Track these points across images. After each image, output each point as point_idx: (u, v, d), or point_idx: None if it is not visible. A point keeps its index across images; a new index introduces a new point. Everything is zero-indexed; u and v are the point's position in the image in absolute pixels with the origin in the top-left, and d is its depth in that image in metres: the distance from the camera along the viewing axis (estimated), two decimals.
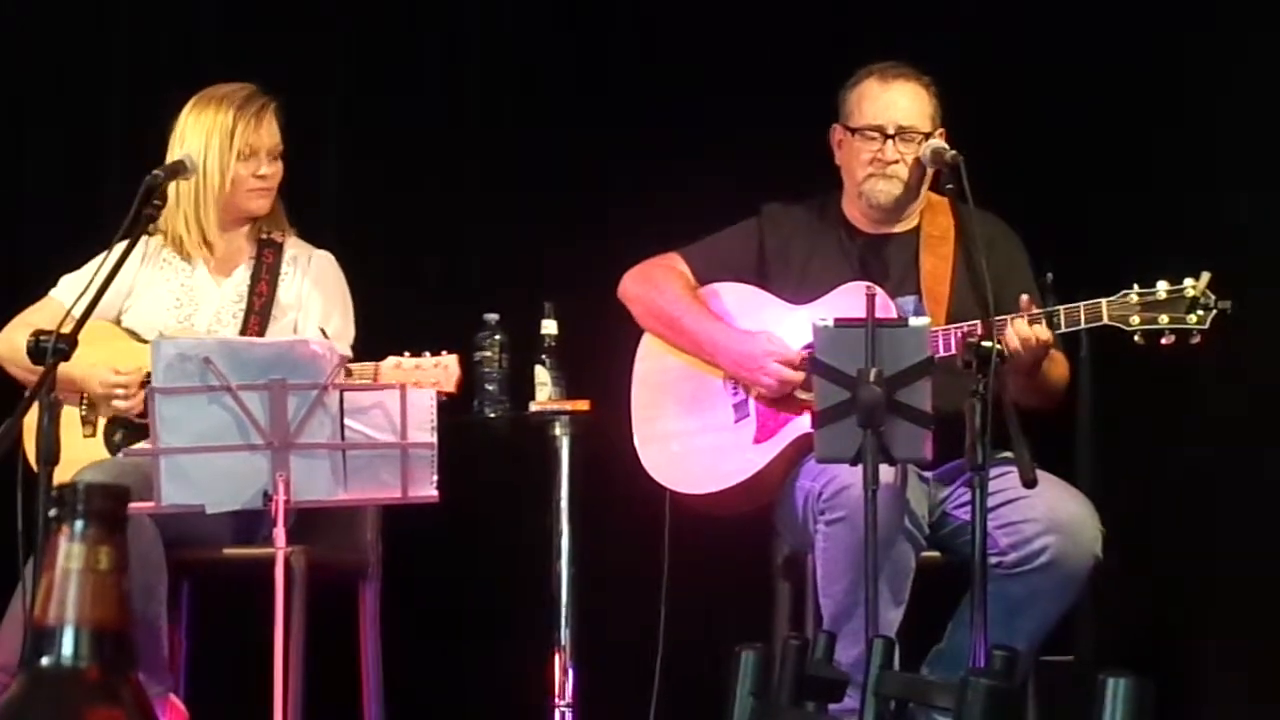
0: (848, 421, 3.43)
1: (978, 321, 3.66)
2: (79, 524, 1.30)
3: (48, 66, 5.19)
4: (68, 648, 1.29)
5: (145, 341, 4.14)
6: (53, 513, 1.30)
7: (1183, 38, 4.77)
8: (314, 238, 4.40)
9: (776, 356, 4.02)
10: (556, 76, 5.22)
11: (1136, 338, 3.78)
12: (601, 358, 4.36)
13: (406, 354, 3.95)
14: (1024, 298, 3.80)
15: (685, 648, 4.27)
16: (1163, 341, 3.77)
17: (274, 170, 4.26)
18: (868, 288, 3.61)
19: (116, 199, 3.88)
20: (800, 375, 3.98)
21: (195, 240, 4.26)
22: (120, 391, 4.07)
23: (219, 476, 3.53)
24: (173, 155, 4.14)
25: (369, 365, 3.96)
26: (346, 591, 4.27)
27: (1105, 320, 3.79)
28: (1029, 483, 3.43)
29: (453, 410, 3.98)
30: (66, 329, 3.56)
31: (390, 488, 3.58)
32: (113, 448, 4.12)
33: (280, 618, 3.49)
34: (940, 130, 4.09)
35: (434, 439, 3.57)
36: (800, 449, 3.96)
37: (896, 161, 4.09)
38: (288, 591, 3.54)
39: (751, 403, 4.10)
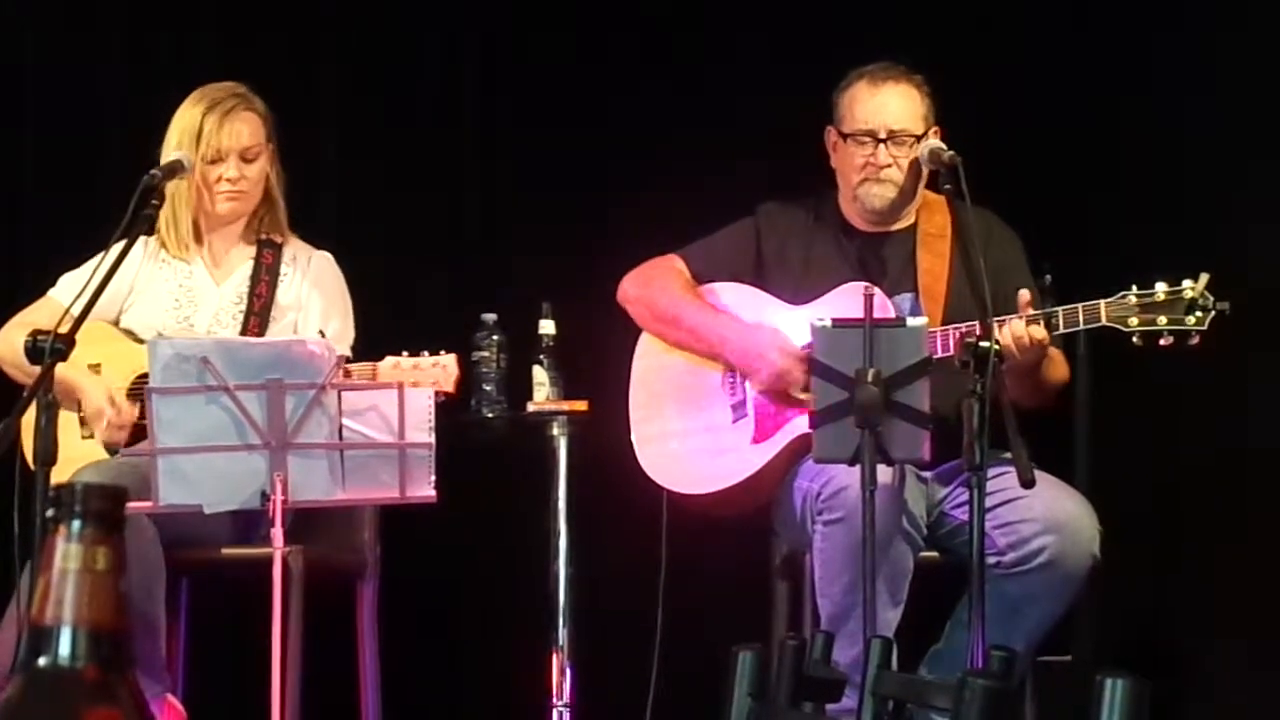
0: (846, 422, 3.43)
1: (975, 322, 3.66)
2: (76, 524, 1.29)
3: (47, 66, 5.18)
4: (65, 648, 1.29)
5: (143, 342, 4.13)
6: (50, 513, 1.30)
7: (1182, 37, 4.77)
8: (313, 238, 4.40)
9: (782, 345, 4.00)
10: (556, 77, 5.21)
11: (1135, 339, 3.78)
12: (599, 358, 4.36)
13: (405, 354, 3.95)
14: (1023, 293, 3.79)
15: (683, 648, 4.27)
16: (1161, 343, 3.77)
17: (246, 173, 4.21)
18: (865, 288, 3.60)
19: (116, 199, 3.87)
20: (800, 369, 3.96)
21: (178, 241, 4.25)
22: (108, 422, 4.05)
23: (217, 476, 3.53)
24: (164, 155, 4.13)
25: (367, 365, 3.95)
26: (344, 591, 4.27)
27: (1104, 321, 3.79)
28: (1027, 483, 3.43)
29: (451, 410, 3.98)
30: (64, 329, 3.56)
31: (388, 488, 3.58)
32: (111, 448, 4.12)
33: (278, 618, 3.49)
34: (935, 129, 4.08)
35: (432, 439, 3.57)
36: (798, 449, 3.96)
37: (889, 165, 4.08)
38: (285, 591, 3.54)
39: (750, 403, 4.10)
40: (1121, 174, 4.84)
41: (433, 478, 3.58)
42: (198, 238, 4.30)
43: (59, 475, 3.49)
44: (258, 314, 4.22)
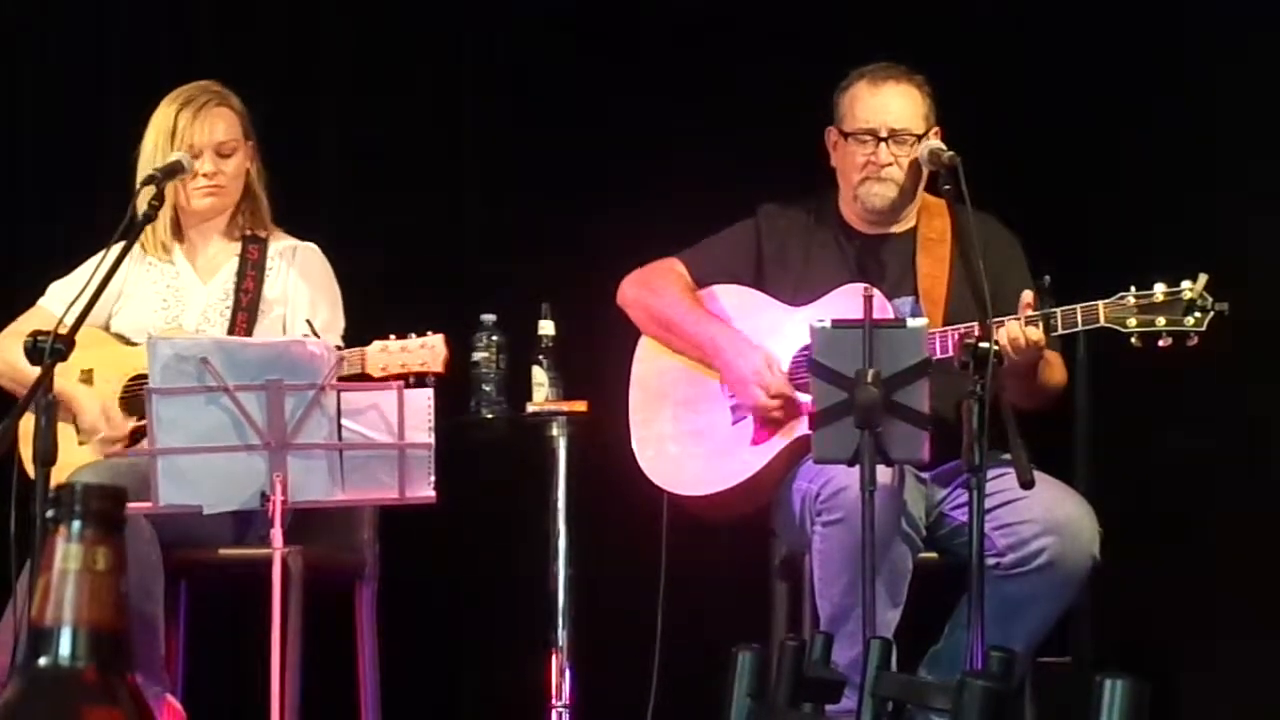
0: (845, 422, 3.43)
1: (975, 323, 3.66)
2: (76, 525, 1.30)
3: (47, 67, 5.18)
4: (65, 648, 1.29)
5: (134, 344, 4.13)
6: (50, 514, 1.30)
7: (1182, 37, 4.77)
8: (312, 237, 4.39)
9: (764, 383, 4.00)
10: (556, 76, 5.21)
11: (1134, 340, 3.78)
12: (599, 359, 4.36)
13: (392, 336, 3.95)
14: (1026, 294, 3.79)
15: (682, 649, 4.27)
16: (1160, 343, 3.77)
17: (222, 168, 4.20)
18: (865, 289, 3.60)
19: (114, 201, 3.88)
20: (774, 403, 3.97)
21: (155, 241, 4.25)
22: (102, 437, 4.05)
23: (216, 477, 3.53)
24: (141, 156, 4.14)
25: (356, 351, 3.95)
26: (344, 592, 4.27)
27: (1102, 322, 3.79)
28: (1026, 484, 3.43)
29: (450, 411, 3.98)
30: (63, 332, 3.56)
31: (387, 488, 3.58)
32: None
33: (277, 618, 3.49)
34: (936, 129, 4.09)
35: (431, 439, 3.57)
36: (797, 450, 3.96)
37: (890, 164, 4.08)
38: (285, 592, 3.54)
39: None
40: (1121, 174, 4.84)
41: (432, 478, 3.58)
42: (179, 236, 4.30)
43: (57, 478, 3.49)
44: (245, 309, 4.21)
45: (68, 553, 1.29)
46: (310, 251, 4.33)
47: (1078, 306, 3.80)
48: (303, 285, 4.26)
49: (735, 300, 4.18)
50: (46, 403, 3.48)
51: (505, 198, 5.19)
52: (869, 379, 3.40)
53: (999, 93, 4.84)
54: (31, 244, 5.05)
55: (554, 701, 4.53)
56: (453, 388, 4.02)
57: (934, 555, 3.93)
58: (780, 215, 4.25)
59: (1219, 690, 4.60)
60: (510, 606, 4.93)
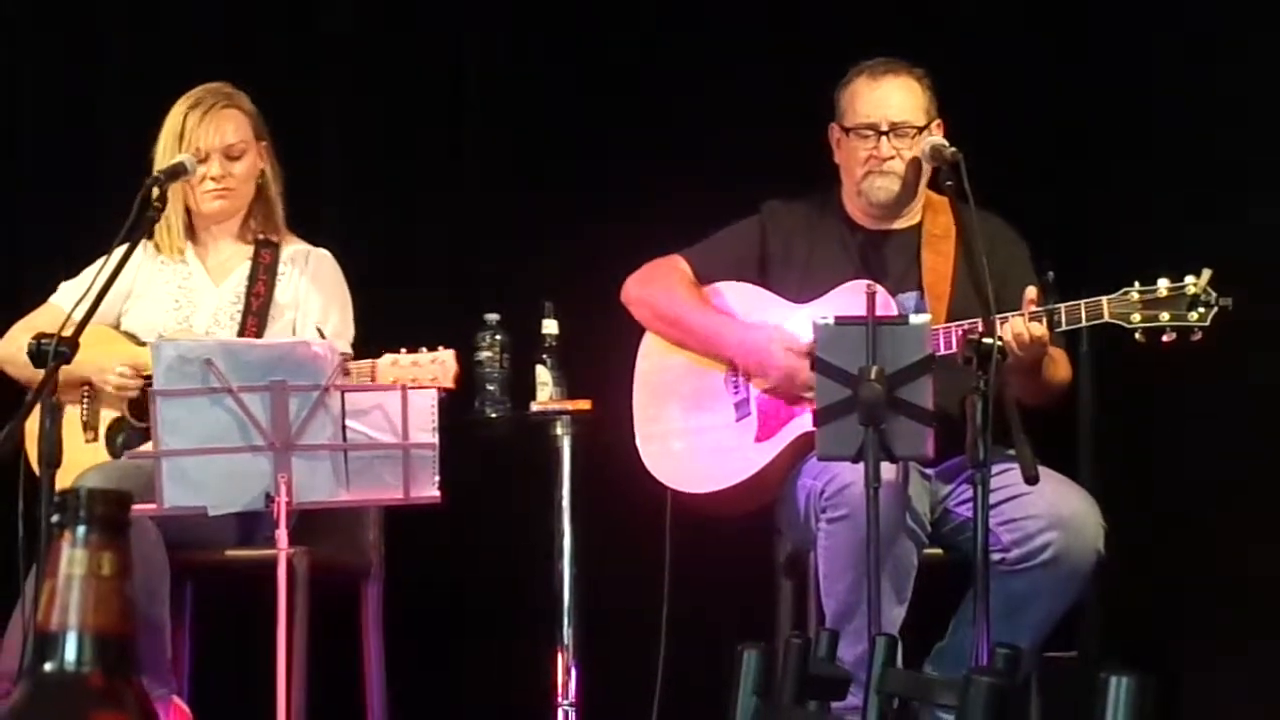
0: (849, 419, 3.42)
1: (978, 319, 3.66)
2: (81, 530, 1.30)
3: (47, 67, 5.18)
4: (71, 653, 1.29)
5: (144, 344, 4.14)
6: (55, 519, 1.30)
7: (1183, 35, 4.76)
8: (314, 238, 4.40)
9: (786, 343, 4.01)
10: (558, 76, 5.21)
11: (1138, 335, 3.78)
12: (602, 357, 4.36)
13: (403, 350, 3.95)
14: (1030, 289, 3.79)
15: (687, 646, 4.27)
16: (1164, 339, 3.77)
17: (231, 170, 4.21)
18: (868, 286, 3.60)
19: (117, 202, 3.88)
20: (806, 364, 3.97)
21: (170, 243, 4.25)
22: (121, 372, 4.05)
23: (221, 478, 3.53)
24: (156, 159, 4.14)
25: (366, 363, 3.96)
26: (349, 592, 4.27)
27: (1106, 318, 3.79)
28: (1031, 479, 3.43)
29: (454, 411, 3.98)
30: (67, 332, 3.56)
31: (392, 488, 3.59)
32: (115, 451, 4.12)
33: (283, 619, 3.49)
34: (938, 122, 4.09)
35: (435, 439, 3.57)
36: (802, 447, 3.96)
37: (892, 158, 4.09)
38: (290, 592, 3.54)
39: (753, 401, 4.10)
40: (1122, 172, 4.84)
41: (436, 478, 3.58)
42: (193, 238, 4.31)
43: (63, 479, 3.50)
44: (255, 313, 4.21)
45: (72, 558, 1.29)
46: (323, 258, 4.33)
47: (1081, 302, 3.80)
48: (314, 292, 4.27)
49: (739, 297, 4.18)
50: (51, 404, 3.48)
51: (508, 197, 5.19)
52: (873, 376, 3.40)
53: (999, 90, 4.84)
54: (34, 245, 5.05)
55: (560, 700, 4.53)
56: (457, 388, 4.02)
57: (939, 551, 3.93)
58: (784, 212, 4.25)
59: (1224, 685, 4.59)
60: (515, 605, 4.93)
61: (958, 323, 3.86)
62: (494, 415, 4.49)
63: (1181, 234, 4.54)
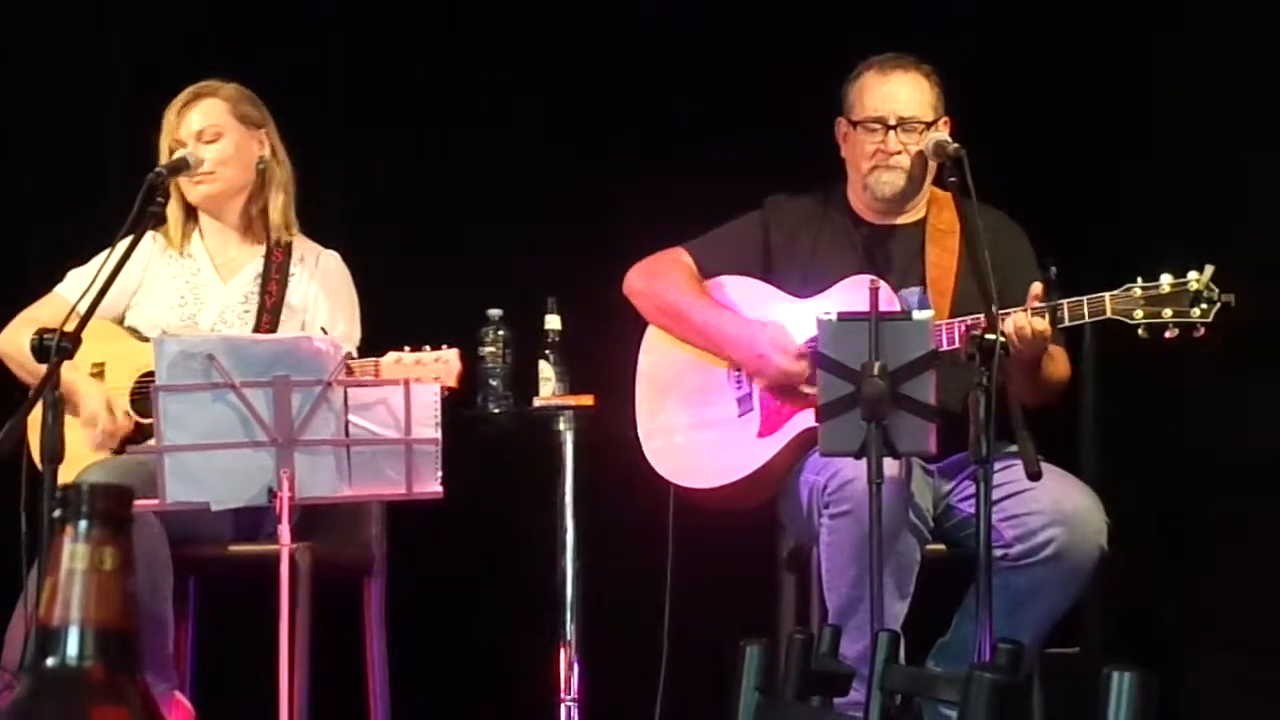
0: (852, 415, 3.43)
1: (981, 315, 3.66)
2: (83, 524, 1.29)
3: (48, 67, 5.19)
4: (73, 648, 1.29)
5: (146, 340, 4.14)
6: (57, 513, 1.30)
7: (1183, 31, 4.76)
8: (318, 235, 4.40)
9: (778, 348, 4.01)
10: (559, 71, 5.22)
11: (1140, 331, 3.78)
12: (605, 352, 4.36)
13: (407, 349, 3.95)
14: (1035, 285, 3.79)
15: (690, 642, 4.27)
16: (1166, 335, 3.77)
17: (205, 154, 4.19)
18: (871, 281, 3.60)
19: (119, 199, 3.88)
20: (801, 367, 3.98)
21: (171, 238, 4.26)
22: (101, 429, 4.05)
23: (224, 473, 3.53)
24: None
25: (370, 361, 3.96)
26: (352, 587, 4.28)
27: (1108, 314, 3.79)
28: (1034, 475, 3.42)
29: (457, 406, 3.98)
30: (70, 326, 3.57)
31: (395, 484, 3.58)
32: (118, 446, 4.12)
33: (285, 614, 3.49)
34: (945, 119, 4.09)
35: (438, 435, 3.57)
36: (804, 442, 3.96)
37: (899, 152, 4.09)
38: (293, 588, 3.54)
39: (756, 396, 4.10)
40: (1124, 168, 4.84)
41: (439, 473, 3.58)
42: (199, 233, 4.31)
43: (65, 474, 3.50)
44: (270, 310, 4.21)
45: (74, 553, 1.29)
46: (332, 260, 4.33)
47: (1084, 298, 3.79)
48: (323, 297, 4.26)
49: (742, 291, 4.18)
50: (54, 399, 3.48)
51: (509, 193, 5.19)
52: (875, 371, 3.40)
53: (1001, 86, 4.84)
54: (38, 243, 5.05)
55: (563, 695, 4.54)
56: (460, 387, 4.02)
57: (941, 547, 3.93)
58: (787, 206, 4.25)
59: (1226, 680, 4.60)
60: (518, 600, 4.93)
61: (960, 318, 3.86)
62: (497, 410, 4.49)
63: (1184, 229, 4.54)
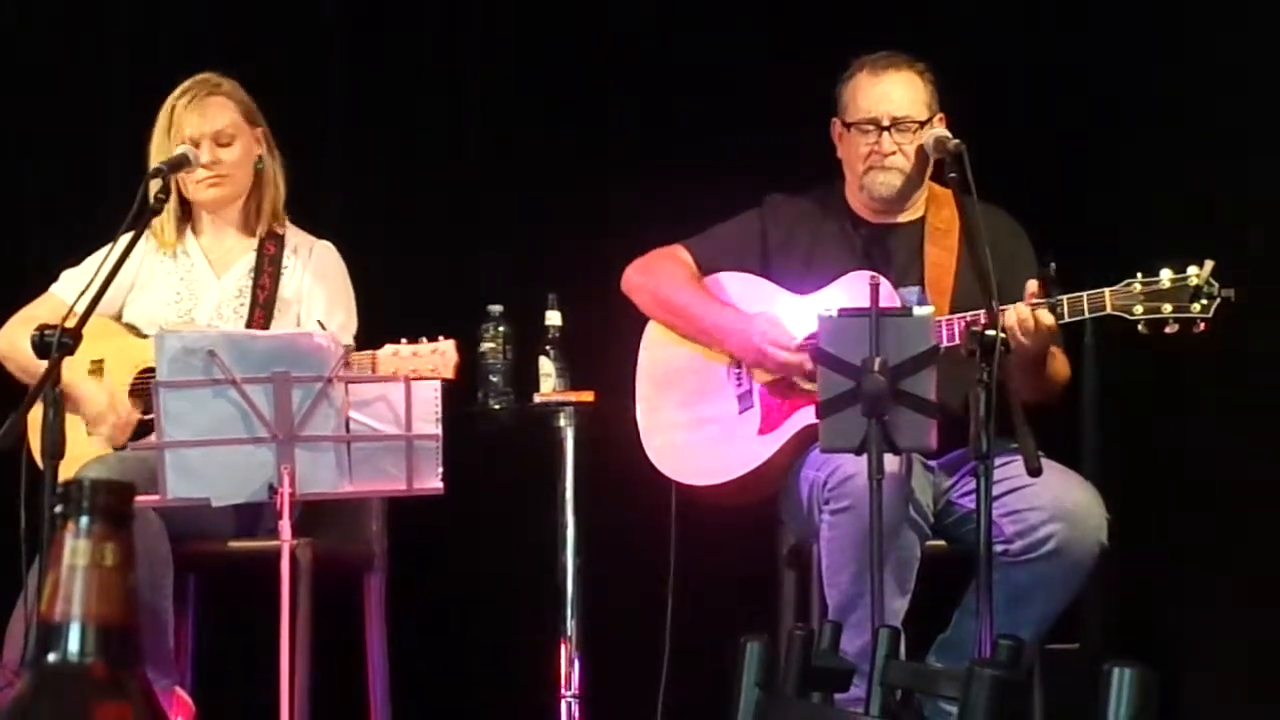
0: (852, 411, 3.43)
1: (981, 310, 3.65)
2: (84, 520, 1.30)
3: (49, 66, 5.19)
4: (74, 644, 1.29)
5: (145, 336, 4.14)
6: (58, 510, 1.30)
7: (1183, 28, 4.76)
8: (318, 230, 4.40)
9: (770, 341, 4.01)
10: (560, 67, 5.21)
11: (1140, 327, 3.77)
12: (605, 349, 4.36)
13: (404, 341, 3.95)
14: (1031, 282, 3.78)
15: (691, 638, 4.28)
16: (1167, 330, 3.77)
17: (221, 157, 4.19)
18: (871, 277, 3.60)
19: (119, 199, 3.88)
20: (800, 359, 3.98)
21: (165, 236, 4.25)
22: (111, 425, 4.05)
23: (224, 469, 3.53)
24: (150, 153, 4.15)
25: (367, 354, 3.96)
26: (352, 583, 4.28)
27: (1109, 310, 3.78)
28: (1034, 471, 3.42)
29: (457, 402, 3.98)
30: (70, 323, 3.57)
31: (395, 480, 3.59)
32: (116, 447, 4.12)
33: (286, 610, 3.49)
34: (940, 116, 4.09)
35: (439, 431, 3.57)
36: (805, 439, 3.96)
37: (894, 153, 4.08)
38: (293, 584, 3.54)
39: (756, 393, 4.10)
40: (1124, 164, 4.84)
41: (440, 469, 3.58)
42: (194, 229, 4.31)
43: (65, 471, 3.50)
44: (263, 305, 4.21)
45: (76, 549, 1.29)
46: (326, 251, 4.33)
47: (1084, 294, 3.79)
48: (318, 287, 4.26)
49: (741, 288, 4.18)
50: (54, 396, 3.48)
51: (509, 189, 5.19)
52: (876, 367, 3.40)
53: (1001, 82, 4.84)
54: (37, 243, 5.05)
55: (563, 691, 4.54)
56: (460, 379, 4.03)
57: (941, 543, 3.92)
58: (786, 205, 4.25)
59: (1226, 676, 4.60)
60: (519, 597, 4.94)
61: (960, 314, 3.86)
62: (497, 406, 4.49)
63: (1185, 224, 4.54)
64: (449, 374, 3.90)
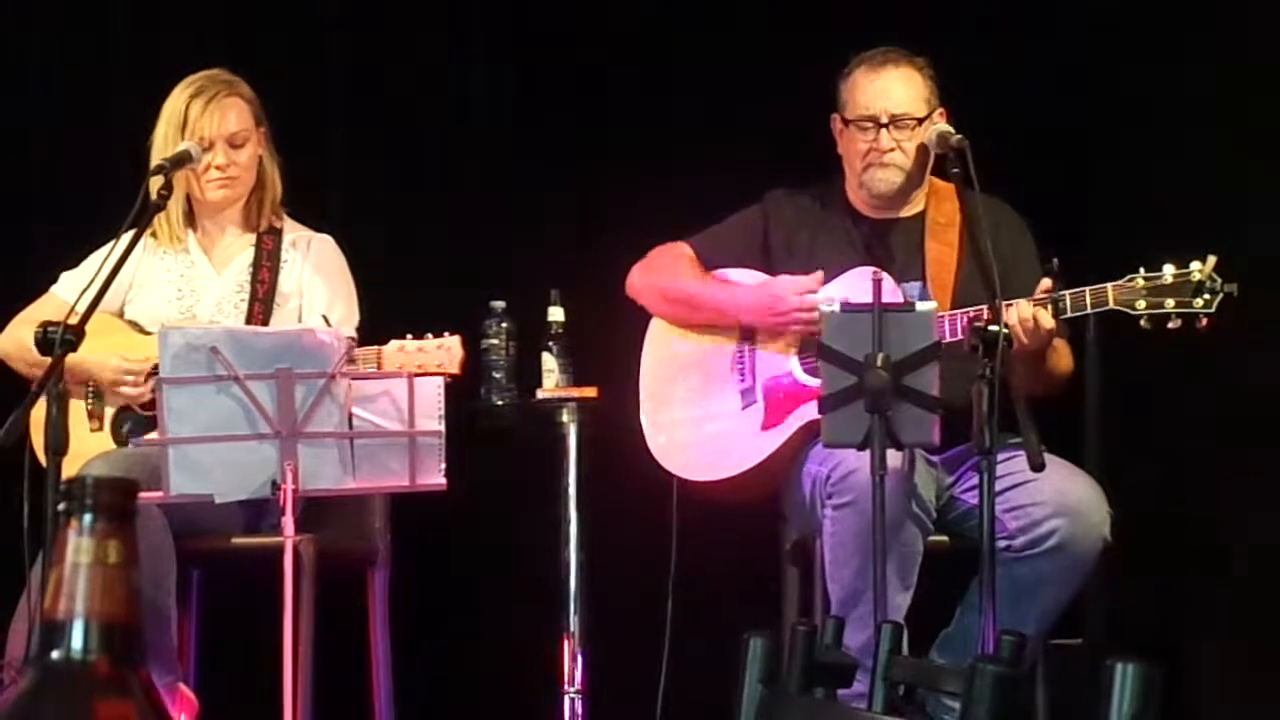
0: (855, 406, 3.43)
1: (984, 306, 3.65)
2: (87, 518, 1.30)
3: (49, 66, 5.19)
4: (77, 641, 1.29)
5: (148, 333, 4.14)
6: (61, 507, 1.30)
7: (1183, 25, 4.76)
8: (319, 225, 4.40)
9: (795, 289, 4.01)
10: (560, 65, 5.21)
11: (1143, 322, 3.78)
12: (609, 344, 4.36)
13: (409, 336, 3.95)
14: (1045, 281, 3.78)
15: (693, 634, 4.28)
16: (1169, 325, 3.77)
17: (235, 159, 4.20)
18: (874, 273, 3.60)
19: (120, 197, 3.88)
20: (810, 305, 3.97)
21: (170, 232, 4.25)
22: (129, 379, 4.08)
23: (227, 466, 3.53)
24: (153, 146, 4.14)
25: (372, 349, 3.96)
26: (355, 580, 4.28)
27: (1111, 305, 3.79)
28: (1037, 466, 3.42)
29: (460, 398, 3.98)
30: (74, 320, 3.57)
31: (398, 476, 3.59)
32: (120, 439, 4.12)
33: (289, 606, 3.49)
34: (940, 111, 4.08)
35: (441, 427, 3.57)
36: (807, 435, 3.96)
37: (893, 150, 4.08)
38: (296, 580, 3.54)
39: (759, 389, 4.10)
40: (1126, 159, 4.83)
41: (443, 465, 3.58)
42: (193, 226, 4.31)
43: (68, 468, 3.50)
44: (261, 300, 4.21)
45: (79, 546, 1.29)
46: (325, 243, 4.33)
47: (1086, 289, 3.79)
48: (318, 280, 4.26)
49: (744, 281, 4.18)
50: (57, 393, 3.48)
51: (513, 185, 5.19)
52: (879, 363, 3.40)
53: (1001, 79, 4.84)
54: (39, 239, 5.05)
55: (566, 687, 4.54)
56: (463, 375, 4.02)
57: (944, 538, 3.92)
58: (787, 201, 4.25)
59: (1229, 672, 4.60)
60: (521, 593, 4.93)
61: (963, 310, 3.86)
62: (500, 403, 4.49)
63: (1186, 220, 4.54)
64: (455, 369, 3.91)
